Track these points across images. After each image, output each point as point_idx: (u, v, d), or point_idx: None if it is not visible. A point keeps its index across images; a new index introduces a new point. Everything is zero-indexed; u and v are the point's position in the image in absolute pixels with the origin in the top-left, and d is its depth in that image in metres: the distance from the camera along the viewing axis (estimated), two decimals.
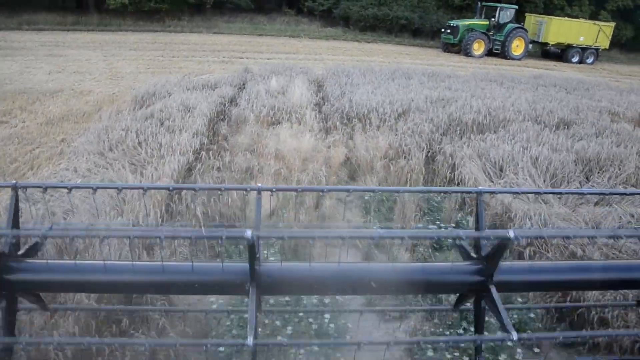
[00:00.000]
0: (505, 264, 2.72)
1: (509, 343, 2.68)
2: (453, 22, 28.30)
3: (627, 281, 2.86)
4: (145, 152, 6.73)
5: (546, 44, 30.19)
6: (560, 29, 29.64)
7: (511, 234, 2.33)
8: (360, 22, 33.22)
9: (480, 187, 2.89)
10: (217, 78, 12.68)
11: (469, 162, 7.27)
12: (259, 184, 2.70)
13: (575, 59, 30.34)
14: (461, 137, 8.63)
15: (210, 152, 7.17)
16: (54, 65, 16.46)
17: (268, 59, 20.49)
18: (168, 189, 2.50)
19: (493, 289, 2.59)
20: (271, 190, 2.73)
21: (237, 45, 24.18)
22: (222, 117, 9.42)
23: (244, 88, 11.68)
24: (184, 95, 9.75)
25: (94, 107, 10.88)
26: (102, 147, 6.94)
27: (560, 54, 30.62)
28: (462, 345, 4.05)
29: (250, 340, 2.09)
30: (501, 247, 2.52)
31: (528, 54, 29.22)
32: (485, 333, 2.74)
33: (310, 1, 35.07)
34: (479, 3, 29.33)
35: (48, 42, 22.15)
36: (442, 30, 28.82)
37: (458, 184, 7.10)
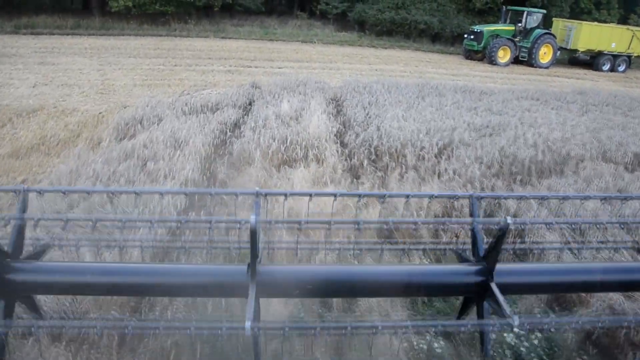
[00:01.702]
0: (505, 266, 2.74)
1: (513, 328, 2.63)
2: (477, 28, 26.39)
3: (628, 283, 2.89)
4: (115, 214, 5.01)
5: (575, 50, 28.17)
6: (591, 35, 27.63)
7: (509, 220, 2.50)
8: (377, 27, 31.38)
9: (474, 192, 3.00)
10: (219, 96, 10.97)
11: (544, 227, 5.47)
12: (257, 188, 2.84)
13: (606, 66, 28.31)
14: (524, 184, 6.83)
15: (202, 211, 5.42)
16: (42, 76, 14.84)
17: (279, 68, 18.79)
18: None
19: (494, 285, 2.63)
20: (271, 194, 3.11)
21: (246, 52, 22.48)
22: (221, 151, 7.68)
23: (250, 110, 9.94)
24: (176, 123, 8.02)
25: (73, 132, 9.20)
26: (59, 206, 5.22)
27: (590, 61, 28.59)
28: None
29: (248, 325, 2.24)
30: (499, 237, 2.59)
31: (555, 62, 27.24)
32: None
33: (323, 4, 33.30)
34: (503, 7, 27.40)
35: (43, 48, 20.59)
36: (465, 36, 26.91)
37: (533, 258, 5.30)
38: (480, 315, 2.80)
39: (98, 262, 3.72)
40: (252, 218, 2.29)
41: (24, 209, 2.76)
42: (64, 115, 10.63)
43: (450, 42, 31.94)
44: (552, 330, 3.99)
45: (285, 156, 7.11)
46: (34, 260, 2.72)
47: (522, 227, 5.52)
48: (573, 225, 5.55)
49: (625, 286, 3.18)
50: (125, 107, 11.49)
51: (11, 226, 2.70)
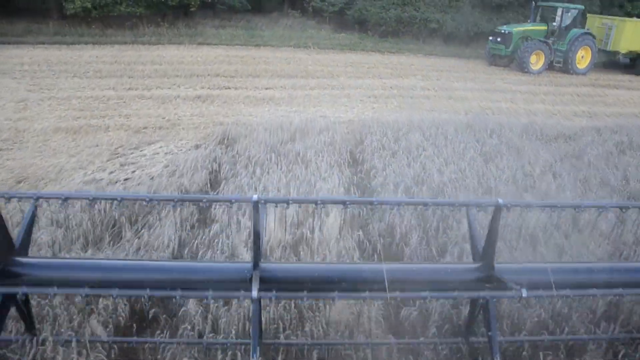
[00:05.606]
0: (504, 265, 2.91)
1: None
2: (504, 29, 22.04)
3: (629, 283, 2.97)
4: None
5: (615, 52, 23.98)
6: (634, 34, 23.50)
7: (500, 201, 2.72)
8: (380, 27, 26.97)
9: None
10: (165, 169, 6.67)
11: None
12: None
13: None
14: None
15: None
16: None
17: (266, 89, 14.40)
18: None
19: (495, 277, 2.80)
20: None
21: (225, 64, 18.06)
22: None
23: (207, 218, 5.54)
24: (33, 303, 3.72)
25: None
26: None
27: (631, 64, 24.42)
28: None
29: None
30: (494, 219, 2.76)
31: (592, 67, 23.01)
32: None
33: (318, 1, 28.85)
34: (533, 2, 23.08)
35: None
36: (490, 38, 22.59)
37: None
38: (484, 315, 2.90)
39: (101, 259, 3.93)
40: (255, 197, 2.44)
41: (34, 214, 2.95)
42: None
43: (465, 43, 27.65)
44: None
45: None
46: (40, 257, 2.85)
47: None
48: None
49: (627, 286, 3.01)
50: (18, 182, 7.20)
51: (21, 225, 2.94)
